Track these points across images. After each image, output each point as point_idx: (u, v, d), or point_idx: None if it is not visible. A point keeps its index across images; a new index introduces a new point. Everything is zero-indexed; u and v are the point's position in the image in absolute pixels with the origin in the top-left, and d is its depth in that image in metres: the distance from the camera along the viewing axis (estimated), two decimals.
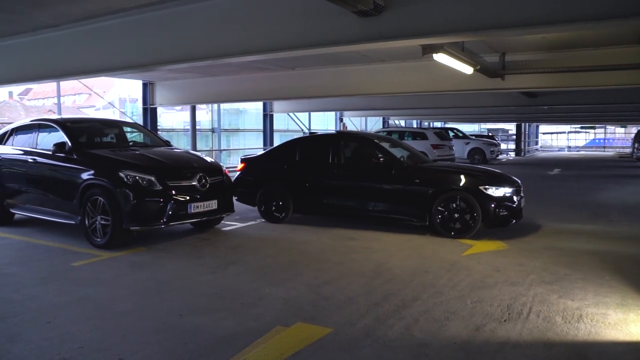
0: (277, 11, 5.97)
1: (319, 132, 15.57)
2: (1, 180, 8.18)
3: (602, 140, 47.26)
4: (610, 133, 48.41)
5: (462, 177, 7.71)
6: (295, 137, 11.78)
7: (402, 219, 7.88)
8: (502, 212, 7.40)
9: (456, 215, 7.41)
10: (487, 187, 7.39)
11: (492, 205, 7.32)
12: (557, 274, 5.60)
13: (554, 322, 4.23)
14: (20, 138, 8.32)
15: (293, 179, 8.68)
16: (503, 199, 7.42)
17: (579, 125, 45.84)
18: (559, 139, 50.62)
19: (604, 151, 42.75)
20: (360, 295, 4.88)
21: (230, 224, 8.46)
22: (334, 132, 9.16)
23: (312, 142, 9.71)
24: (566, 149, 46.05)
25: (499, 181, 7.63)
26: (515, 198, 7.55)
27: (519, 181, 8.03)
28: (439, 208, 7.48)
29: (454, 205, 7.42)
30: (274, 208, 8.75)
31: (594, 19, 4.50)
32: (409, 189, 7.80)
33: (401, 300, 4.74)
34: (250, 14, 6.19)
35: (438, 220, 7.49)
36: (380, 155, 8.26)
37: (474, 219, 7.32)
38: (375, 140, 8.82)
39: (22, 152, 8.02)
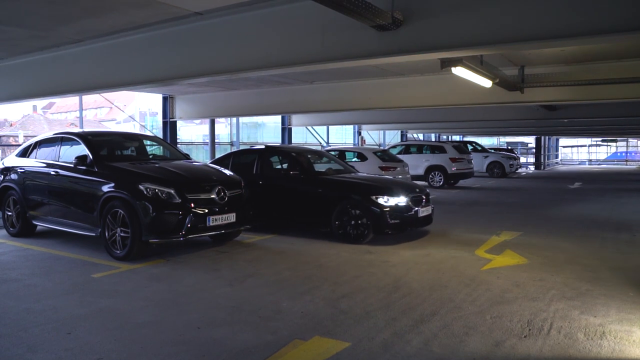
0: (296, 26, 6.03)
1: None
2: (24, 192, 8.33)
3: (623, 154, 46.56)
4: (632, 146, 47.69)
5: (357, 187, 8.38)
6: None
7: (313, 225, 8.56)
8: (394, 221, 7.91)
9: (352, 222, 8.00)
10: (378, 196, 7.93)
11: (382, 214, 7.84)
12: (579, 289, 5.51)
13: (575, 338, 4.16)
14: (43, 151, 8.48)
15: None
16: (395, 208, 7.94)
17: (600, 139, 45.26)
18: (580, 152, 50.02)
19: (626, 165, 42.13)
20: (378, 310, 4.86)
21: (248, 237, 8.49)
22: (262, 146, 10.00)
23: (242, 154, 10.50)
24: (587, 163, 45.48)
25: (392, 191, 8.10)
26: (412, 207, 8.14)
27: (422, 190, 8.73)
28: (336, 215, 8.11)
29: (349, 213, 8.04)
30: None
31: (614, 31, 4.45)
32: (314, 198, 8.50)
33: (420, 315, 4.71)
34: (269, 29, 6.25)
35: (336, 227, 8.12)
36: (294, 167, 8.98)
37: (366, 226, 7.88)
38: (292, 154, 9.42)
39: (44, 165, 8.17)
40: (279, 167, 9.53)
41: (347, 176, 9.10)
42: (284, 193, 8.83)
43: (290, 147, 11.10)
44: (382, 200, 7.90)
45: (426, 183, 18.85)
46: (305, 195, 8.61)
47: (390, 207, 7.89)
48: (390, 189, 8.16)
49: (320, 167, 9.70)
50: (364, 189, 8.24)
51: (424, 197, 8.57)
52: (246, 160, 9.68)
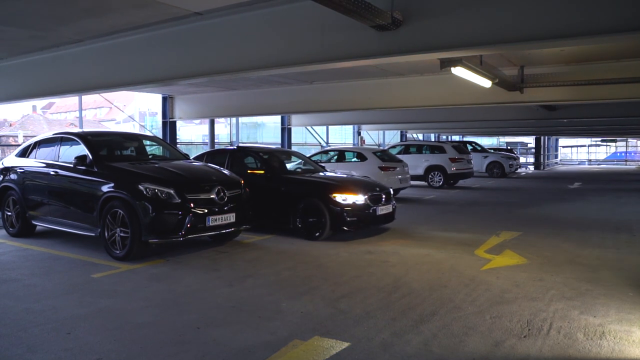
0: (296, 26, 6.02)
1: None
2: (24, 192, 8.33)
3: (623, 154, 46.56)
4: (631, 146, 47.68)
5: (317, 186, 8.74)
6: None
7: (277, 222, 8.86)
8: (351, 218, 8.24)
9: (311, 219, 8.34)
10: (336, 195, 8.27)
11: (341, 212, 8.19)
12: (579, 289, 5.51)
13: (575, 338, 4.16)
14: (43, 151, 8.48)
15: None
16: (353, 206, 8.26)
17: (600, 139, 45.24)
18: (579, 152, 50.03)
19: (625, 165, 42.14)
20: (377, 310, 4.86)
21: (248, 237, 8.49)
22: (234, 146, 10.36)
23: (215, 153, 10.72)
24: (586, 163, 45.48)
25: (350, 190, 8.42)
26: (370, 205, 8.46)
27: (383, 189, 9.00)
28: (297, 213, 8.44)
29: (309, 210, 8.38)
30: None
31: (614, 31, 4.45)
32: (278, 196, 8.85)
33: (419, 315, 4.71)
34: (269, 29, 6.25)
35: (297, 223, 8.45)
36: (261, 167, 9.43)
37: (324, 224, 8.21)
38: (260, 154, 9.81)
39: (44, 165, 8.16)
40: (248, 166, 9.85)
41: (311, 176, 9.37)
42: (251, 191, 8.83)
43: (259, 148, 11.36)
44: (340, 198, 8.22)
45: (426, 183, 18.87)
46: (270, 193, 8.89)
47: (348, 205, 8.22)
48: (348, 188, 8.47)
49: (290, 167, 10.11)
50: (324, 187, 8.57)
51: (384, 196, 8.85)
52: (219, 159, 9.86)
